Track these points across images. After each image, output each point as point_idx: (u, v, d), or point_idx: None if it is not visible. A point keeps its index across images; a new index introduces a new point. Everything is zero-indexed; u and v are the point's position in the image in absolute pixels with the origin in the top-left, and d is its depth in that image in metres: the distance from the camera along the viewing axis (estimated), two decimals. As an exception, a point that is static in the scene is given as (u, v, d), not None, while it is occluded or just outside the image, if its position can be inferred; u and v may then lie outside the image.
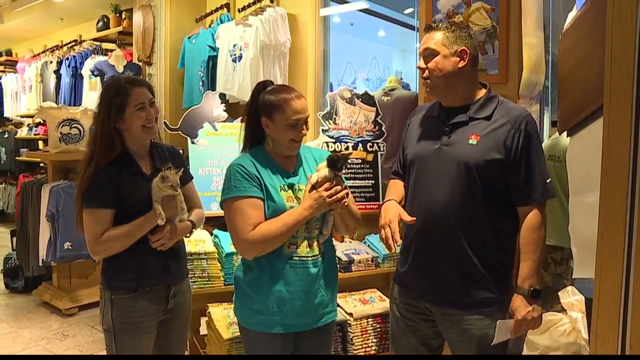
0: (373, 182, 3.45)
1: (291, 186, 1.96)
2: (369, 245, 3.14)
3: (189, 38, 4.87)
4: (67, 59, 6.45)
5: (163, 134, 4.33)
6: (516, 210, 1.89)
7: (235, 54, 4.41)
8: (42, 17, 6.97)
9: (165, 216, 1.97)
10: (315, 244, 1.97)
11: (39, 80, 7.03)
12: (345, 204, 1.96)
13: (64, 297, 4.56)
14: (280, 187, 1.94)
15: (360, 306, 2.77)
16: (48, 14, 6.81)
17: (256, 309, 1.94)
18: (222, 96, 4.05)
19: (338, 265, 2.91)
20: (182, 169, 2.13)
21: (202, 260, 2.62)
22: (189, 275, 2.54)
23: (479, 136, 1.86)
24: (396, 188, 2.12)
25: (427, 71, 1.91)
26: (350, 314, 2.69)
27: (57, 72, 6.64)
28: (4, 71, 8.72)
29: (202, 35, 4.74)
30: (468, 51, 1.87)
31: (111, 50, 5.91)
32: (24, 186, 4.88)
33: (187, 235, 2.14)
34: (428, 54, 1.90)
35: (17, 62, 8.16)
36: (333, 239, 2.14)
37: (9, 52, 8.84)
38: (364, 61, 7.64)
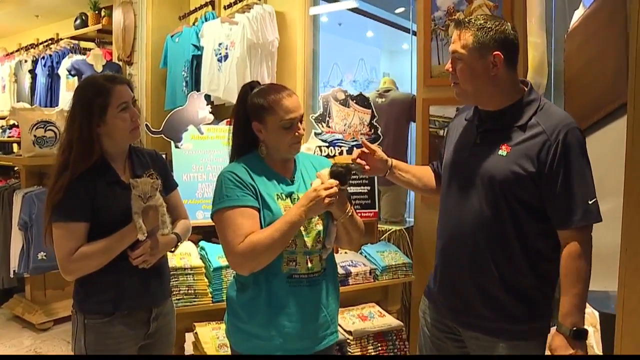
0: (369, 188, 3.26)
1: (289, 195, 1.78)
2: (365, 257, 2.94)
3: (171, 37, 4.67)
4: (43, 58, 6.17)
5: (145, 137, 4.12)
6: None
7: (220, 53, 4.23)
8: (15, 14, 6.66)
9: (146, 230, 1.76)
10: (316, 259, 1.79)
11: (13, 80, 6.73)
12: (350, 214, 1.78)
13: (37, 311, 4.28)
14: (277, 195, 1.75)
15: (359, 323, 2.57)
16: (22, 11, 6.51)
17: (252, 333, 1.74)
18: (207, 97, 3.84)
19: (334, 279, 2.72)
20: (163, 176, 1.94)
21: (188, 276, 2.39)
22: (174, 293, 2.34)
23: (510, 147, 1.65)
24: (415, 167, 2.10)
25: (454, 76, 1.71)
26: (350, 332, 2.49)
27: (32, 72, 6.36)
28: (-24, 71, 8.39)
29: (185, 33, 4.54)
30: (502, 56, 1.63)
31: (90, 49, 5.65)
32: (-6, 192, 4.60)
33: (172, 249, 1.93)
34: (456, 58, 1.69)
35: (-11, 61, 7.83)
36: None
37: (-18, 51, 8.50)
38: (350, 62, 7.47)
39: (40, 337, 4.11)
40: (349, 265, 2.78)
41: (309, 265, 1.76)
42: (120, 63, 5.07)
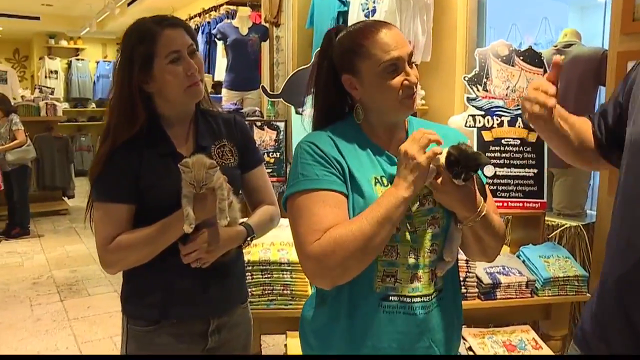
0: (536, 171, 2.50)
1: (393, 179, 1.20)
2: (523, 262, 2.23)
3: (318, -7, 4.24)
4: (203, 25, 6.20)
5: (263, 102, 3.74)
6: None
7: (367, 8, 3.76)
8: (183, -15, 6.85)
9: (196, 219, 1.32)
10: (427, 276, 1.21)
11: (178, 49, 6.94)
12: (482, 214, 1.17)
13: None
14: (375, 178, 1.20)
15: (503, 354, 1.91)
16: (189, -19, 6.67)
17: None
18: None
19: (477, 290, 2.09)
20: (242, 148, 1.53)
21: (285, 273, 1.92)
22: (266, 292, 1.92)
23: None
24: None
25: None
26: (488, 367, 1.86)
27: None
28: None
29: (331, -13, 4.08)
30: None
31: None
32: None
33: (242, 245, 1.47)
34: None
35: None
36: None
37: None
38: (532, 22, 6.46)
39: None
40: (499, 273, 2.10)
41: (416, 284, 1.20)
42: (267, 25, 4.80)
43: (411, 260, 1.20)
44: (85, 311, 3.98)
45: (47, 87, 8.35)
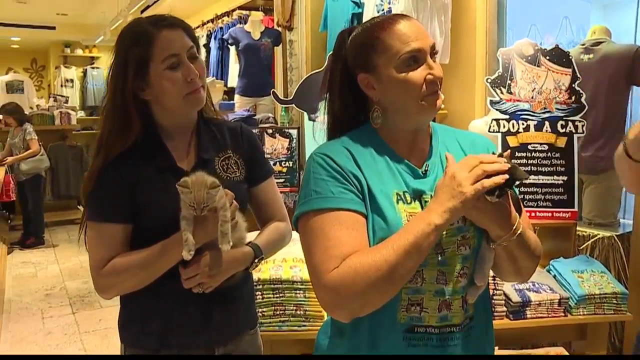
0: (565, 178, 2.35)
1: (418, 195, 1.08)
2: (555, 277, 2.08)
3: (331, -5, 4.12)
4: (215, 31, 6.12)
5: (277, 108, 3.63)
6: None
7: (383, 8, 3.63)
8: (194, -8, 6.79)
9: (196, 244, 1.19)
10: (457, 303, 1.08)
11: (192, 56, 6.89)
12: (518, 232, 1.03)
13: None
14: (397, 194, 1.07)
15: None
16: (201, -12, 6.60)
17: None
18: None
19: (505, 309, 1.94)
20: (249, 161, 1.41)
21: (297, 292, 1.78)
22: (278, 312, 1.79)
23: None
24: None
25: None
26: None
27: (206, 46, 6.36)
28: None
29: (345, -11, 3.96)
30: None
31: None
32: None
33: (250, 267, 1.34)
34: None
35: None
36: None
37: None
38: (551, 22, 6.28)
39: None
40: (529, 290, 1.95)
41: (444, 312, 1.07)
42: (280, 29, 4.69)
43: (439, 286, 1.07)
44: (96, 324, 3.90)
45: (62, 96, 8.35)
